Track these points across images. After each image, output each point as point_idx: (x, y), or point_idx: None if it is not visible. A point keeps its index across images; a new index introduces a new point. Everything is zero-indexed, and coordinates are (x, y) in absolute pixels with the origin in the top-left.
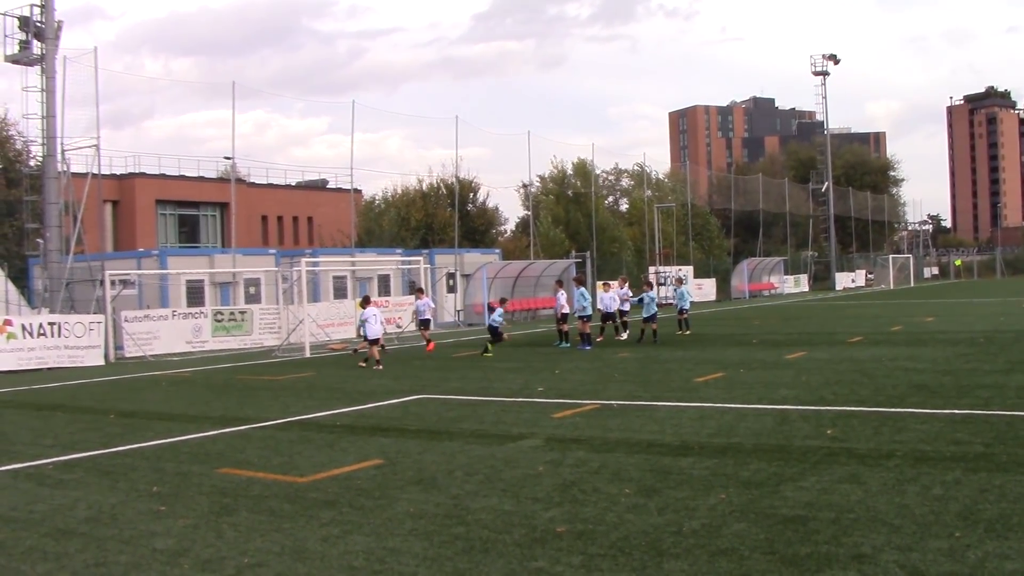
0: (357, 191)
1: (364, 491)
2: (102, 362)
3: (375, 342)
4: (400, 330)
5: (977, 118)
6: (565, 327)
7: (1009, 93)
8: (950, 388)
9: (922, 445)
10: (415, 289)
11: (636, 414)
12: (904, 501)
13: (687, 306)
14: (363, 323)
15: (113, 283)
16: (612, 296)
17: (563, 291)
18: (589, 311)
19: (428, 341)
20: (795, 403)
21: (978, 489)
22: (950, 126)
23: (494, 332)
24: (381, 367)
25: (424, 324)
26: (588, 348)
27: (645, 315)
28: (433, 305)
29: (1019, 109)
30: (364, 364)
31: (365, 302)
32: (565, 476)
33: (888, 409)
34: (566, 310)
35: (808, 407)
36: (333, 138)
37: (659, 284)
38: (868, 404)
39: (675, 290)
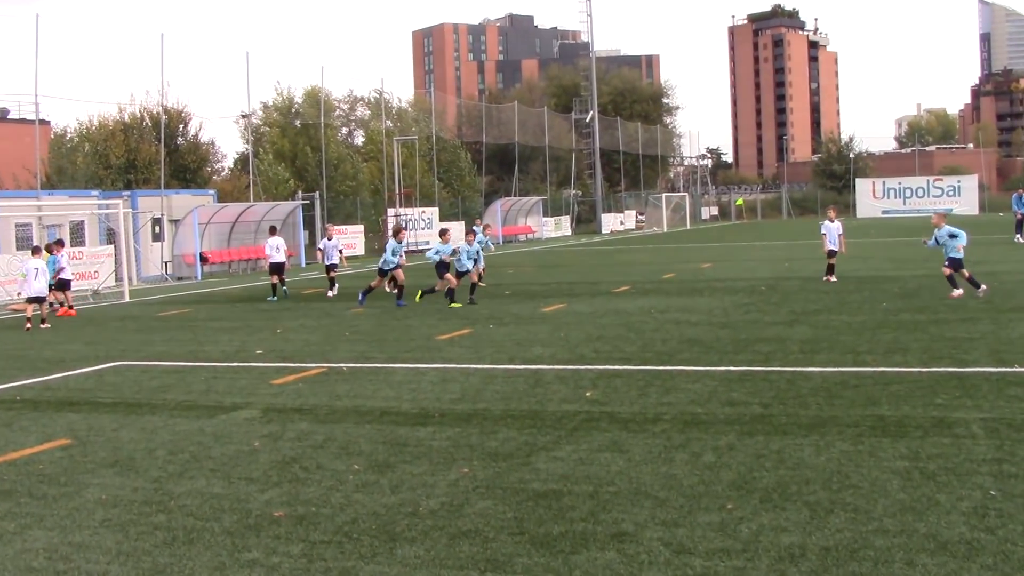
0: (44, 123)
1: (48, 477)
2: None
3: (36, 300)
4: (97, 287)
5: (762, 40)
6: (276, 279)
7: (797, 12)
8: (726, 342)
9: (693, 407)
10: (34, 248)
11: (369, 378)
12: (671, 471)
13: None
14: (25, 276)
15: None
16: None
17: (279, 238)
18: (390, 265)
19: (70, 306)
20: (551, 362)
21: (754, 455)
22: (732, 48)
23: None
24: (30, 326)
25: (63, 285)
26: (363, 303)
27: (462, 269)
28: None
29: (808, 30)
30: (37, 325)
31: (35, 251)
32: (285, 452)
33: (656, 367)
34: (278, 259)
35: (566, 367)
36: (14, 59)
37: (404, 229)
38: (634, 362)
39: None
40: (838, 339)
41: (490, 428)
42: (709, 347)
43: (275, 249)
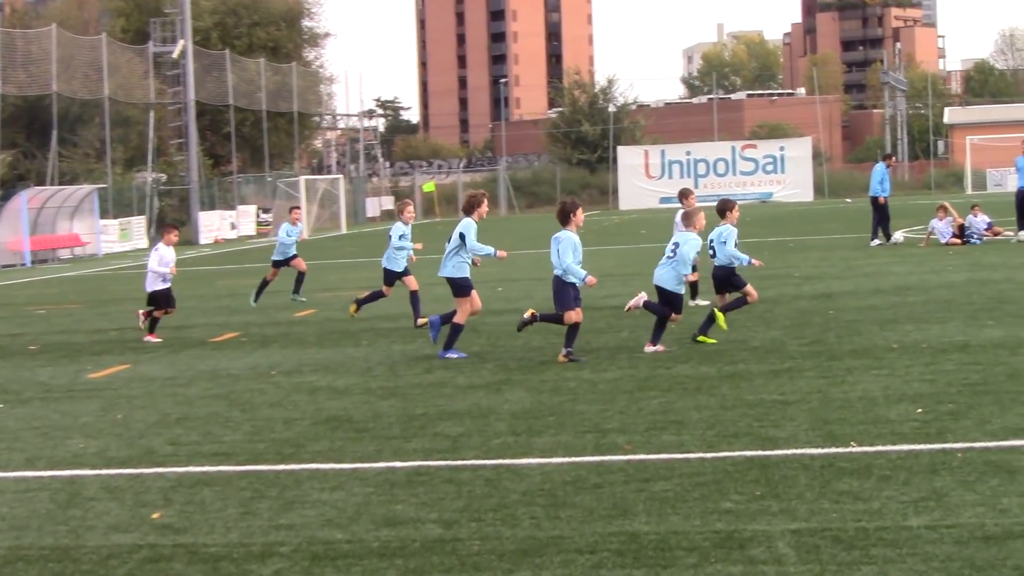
0: None
1: None
2: None
3: None
4: None
5: None
6: None
7: None
8: (391, 421)
9: (329, 531)
10: None
11: None
12: None
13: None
14: None
15: None
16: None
17: None
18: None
19: None
20: (98, 464)
21: None
22: None
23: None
24: None
25: None
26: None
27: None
28: None
29: None
30: None
31: None
32: None
33: (273, 467)
34: None
35: (122, 471)
36: None
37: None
38: (236, 459)
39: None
40: (574, 410)
41: None
42: (363, 430)
43: None
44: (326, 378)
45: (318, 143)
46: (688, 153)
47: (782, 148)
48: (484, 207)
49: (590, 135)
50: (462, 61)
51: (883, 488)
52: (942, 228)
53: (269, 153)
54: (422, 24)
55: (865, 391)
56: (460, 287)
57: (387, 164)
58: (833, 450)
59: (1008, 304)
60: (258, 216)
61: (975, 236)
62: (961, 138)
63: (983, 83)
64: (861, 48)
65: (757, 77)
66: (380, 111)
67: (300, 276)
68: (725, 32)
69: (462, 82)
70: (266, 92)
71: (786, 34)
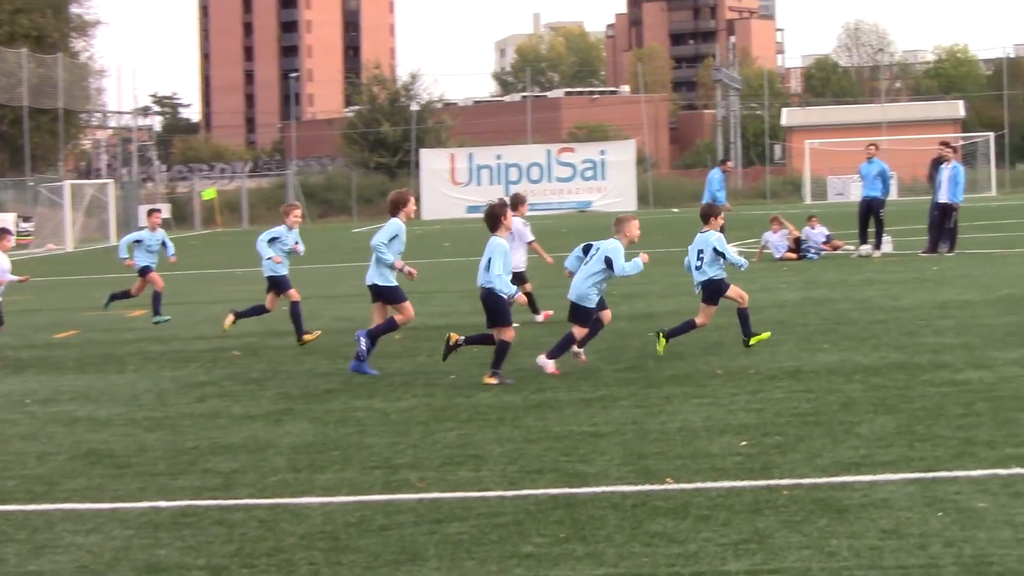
0: None
1: None
2: None
3: None
4: None
5: None
6: None
7: None
8: (158, 455)
9: None
10: None
11: None
12: None
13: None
14: None
15: None
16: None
17: None
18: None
19: None
20: None
21: None
22: None
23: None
24: None
25: None
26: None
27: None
28: None
29: None
30: None
31: None
32: None
33: (22, 507)
34: None
35: None
36: None
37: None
38: (14, 499)
39: None
40: (362, 443)
41: None
42: (125, 465)
43: None
44: (86, 407)
45: (86, 144)
46: (499, 157)
47: (603, 152)
48: (411, 206)
49: (390, 136)
50: (249, 53)
51: (701, 529)
52: (776, 241)
53: (31, 155)
54: (204, 11)
55: (685, 422)
56: (391, 294)
57: (163, 168)
58: (647, 487)
59: (845, 326)
60: (17, 225)
61: (812, 250)
62: (800, 142)
63: (825, 81)
64: (692, 42)
65: (577, 73)
66: (156, 108)
67: (157, 296)
68: (542, 23)
69: (249, 76)
70: (28, 86)
71: (609, 26)
